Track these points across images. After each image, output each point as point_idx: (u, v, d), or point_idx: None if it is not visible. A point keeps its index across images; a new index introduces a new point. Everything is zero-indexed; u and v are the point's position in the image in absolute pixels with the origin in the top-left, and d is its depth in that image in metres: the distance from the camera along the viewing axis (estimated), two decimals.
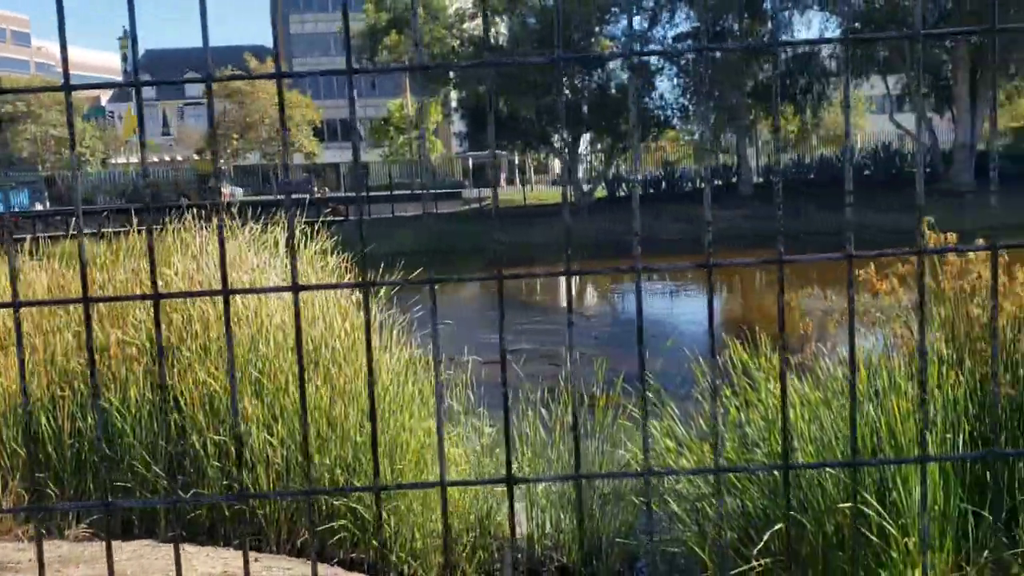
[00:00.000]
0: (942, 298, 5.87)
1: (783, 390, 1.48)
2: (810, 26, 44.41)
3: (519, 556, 5.71)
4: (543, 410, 6.31)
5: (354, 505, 5.42)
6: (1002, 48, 31.70)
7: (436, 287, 1.34)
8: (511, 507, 1.38)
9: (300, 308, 1.36)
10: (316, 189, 48.60)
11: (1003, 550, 4.73)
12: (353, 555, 5.48)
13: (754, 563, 4.48)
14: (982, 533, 4.83)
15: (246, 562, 1.42)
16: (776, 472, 4.93)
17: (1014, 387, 5.23)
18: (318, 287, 1.60)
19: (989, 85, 32.92)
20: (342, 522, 5.36)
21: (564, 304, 5.09)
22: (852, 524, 4.12)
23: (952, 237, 5.53)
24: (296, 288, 1.32)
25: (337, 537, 5.40)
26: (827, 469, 4.59)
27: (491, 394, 6.63)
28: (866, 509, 4.52)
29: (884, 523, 4.50)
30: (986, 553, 4.75)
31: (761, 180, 40.92)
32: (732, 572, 4.51)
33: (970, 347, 5.41)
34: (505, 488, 1.38)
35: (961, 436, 5.01)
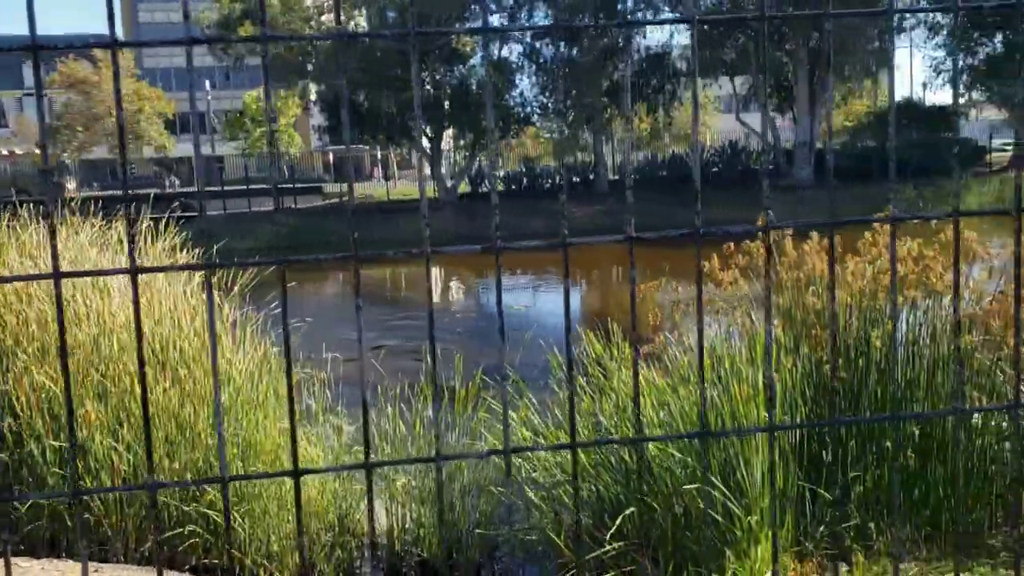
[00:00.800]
0: (781, 287, 6.20)
1: (635, 373, 1.53)
2: (662, 28, 45.77)
3: (379, 553, 5.67)
4: (403, 406, 6.30)
5: (205, 511, 5.25)
6: (836, 51, 33.64)
7: (288, 279, 1.32)
8: (370, 492, 1.35)
9: (146, 305, 1.31)
10: (167, 183, 46.73)
11: (837, 524, 5.04)
12: (206, 561, 5.32)
13: (607, 547, 4.61)
14: (819, 509, 5.13)
15: (84, 572, 1.34)
16: (628, 459, 5.09)
17: (846, 371, 5.58)
18: (158, 269, 1.49)
19: (826, 87, 34.87)
20: (192, 527, 5.20)
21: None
22: (697, 499, 4.30)
23: (788, 230, 5.85)
24: (135, 271, 1.26)
25: (188, 543, 5.23)
26: (674, 455, 4.77)
27: (351, 392, 6.55)
28: (712, 491, 4.73)
29: (729, 503, 4.71)
30: (822, 528, 5.05)
31: (616, 177, 41.99)
32: (587, 556, 4.63)
33: (806, 333, 5.73)
34: (364, 478, 1.37)
35: (799, 416, 5.30)
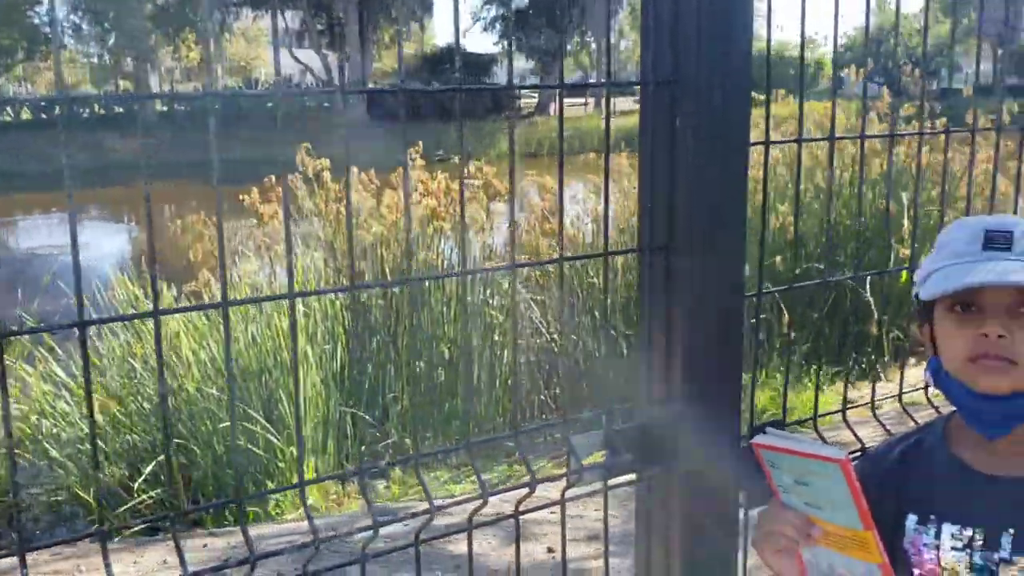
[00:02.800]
0: (325, 219, 6.28)
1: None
2: None
3: None
4: None
5: None
6: None
7: None
8: None
9: None
10: None
11: (377, 444, 5.30)
12: None
13: (143, 496, 4.39)
14: (359, 432, 5.32)
15: None
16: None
17: (384, 300, 5.82)
18: None
19: (375, 27, 35.80)
20: None
21: None
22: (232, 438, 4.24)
23: (326, 162, 5.94)
24: None
25: None
26: (211, 394, 4.65)
27: None
28: (253, 427, 4.70)
29: (270, 436, 4.72)
30: (364, 448, 5.27)
31: (166, 109, 39.40)
32: (121, 509, 4.36)
33: (346, 264, 5.88)
34: None
35: (339, 345, 5.44)
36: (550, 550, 3.49)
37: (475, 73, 36.42)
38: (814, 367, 6.08)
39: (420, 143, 6.46)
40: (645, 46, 0.94)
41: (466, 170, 6.61)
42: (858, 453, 1.39)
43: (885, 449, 1.30)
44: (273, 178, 5.90)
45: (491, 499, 1.16)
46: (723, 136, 0.95)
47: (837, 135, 1.21)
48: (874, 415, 1.51)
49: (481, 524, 1.02)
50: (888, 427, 1.42)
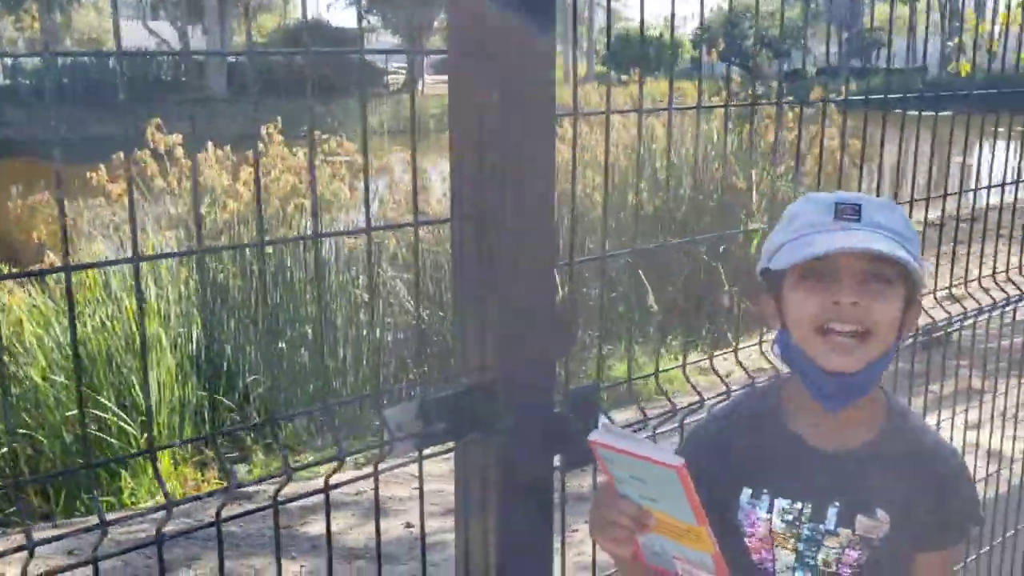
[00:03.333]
0: (177, 197, 6.06)
1: None
2: None
3: None
4: None
5: None
6: None
7: None
8: None
9: None
10: None
11: (237, 427, 5.18)
12: None
13: None
14: (219, 416, 5.18)
15: None
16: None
17: (243, 278, 5.67)
18: None
19: None
20: None
21: None
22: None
23: (177, 138, 5.73)
24: None
25: None
26: (58, 381, 4.44)
27: None
28: (105, 414, 4.51)
29: (123, 424, 4.54)
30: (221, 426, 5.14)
31: (8, 82, 36.98)
32: None
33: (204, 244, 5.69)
34: None
35: (195, 327, 5.28)
36: (408, 525, 3.51)
37: (342, 47, 35.63)
38: (669, 335, 6.30)
39: (279, 118, 6.30)
40: (453, 16, 0.95)
41: (327, 144, 6.51)
42: (697, 406, 1.44)
43: (721, 420, 1.32)
44: (122, 154, 5.65)
45: (351, 476, 1.16)
46: (527, 107, 0.97)
47: (646, 108, 1.25)
48: (714, 370, 1.58)
49: (337, 485, 1.01)
50: (729, 385, 1.47)
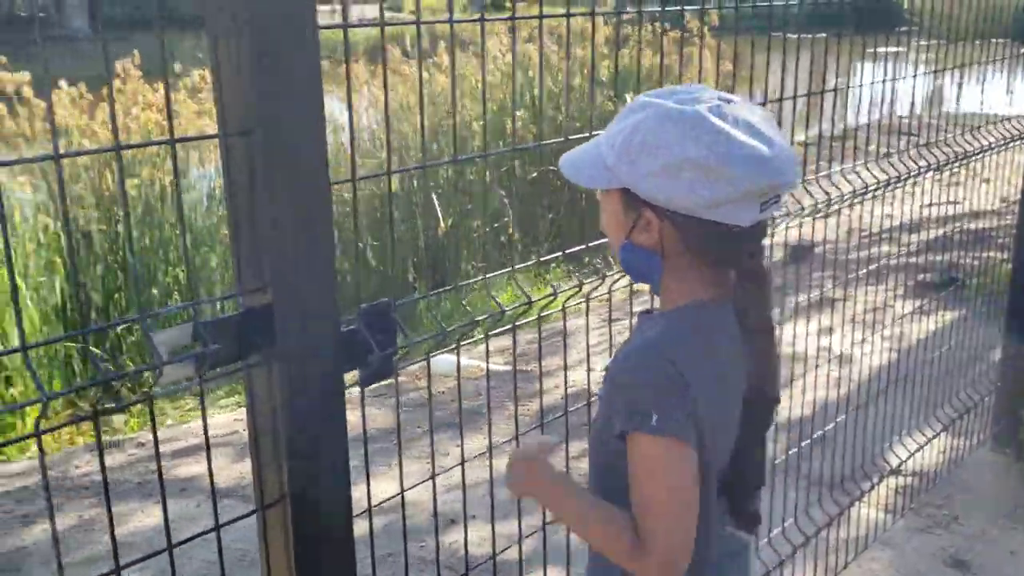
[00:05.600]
0: (32, 142, 5.76)
1: None
2: None
3: None
4: None
5: None
6: None
7: None
8: None
9: None
10: None
11: (112, 376, 5.02)
12: None
13: None
14: (90, 369, 5.02)
15: None
16: None
17: (106, 223, 5.45)
18: None
19: None
20: None
21: None
22: None
23: (25, 76, 5.43)
24: None
25: None
26: None
27: None
28: None
29: None
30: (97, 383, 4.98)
31: None
32: None
33: (65, 195, 5.44)
34: None
35: (58, 277, 5.07)
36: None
37: None
38: (552, 264, 6.37)
39: (136, 52, 5.99)
40: None
41: (187, 80, 6.24)
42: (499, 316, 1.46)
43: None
44: None
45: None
46: (290, 19, 0.94)
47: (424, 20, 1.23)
48: (586, 301, 1.64)
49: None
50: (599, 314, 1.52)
